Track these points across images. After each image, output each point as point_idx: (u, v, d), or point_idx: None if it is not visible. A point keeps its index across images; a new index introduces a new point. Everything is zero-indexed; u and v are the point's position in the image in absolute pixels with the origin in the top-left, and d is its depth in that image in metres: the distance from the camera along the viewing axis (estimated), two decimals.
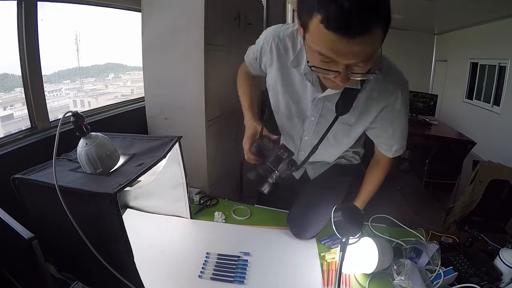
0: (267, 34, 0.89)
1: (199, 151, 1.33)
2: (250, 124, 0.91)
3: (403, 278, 0.80)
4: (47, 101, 1.10)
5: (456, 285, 0.82)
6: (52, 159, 0.62)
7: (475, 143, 2.98)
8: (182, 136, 0.90)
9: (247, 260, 0.90)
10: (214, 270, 0.86)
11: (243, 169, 1.83)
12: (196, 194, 1.27)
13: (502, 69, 4.29)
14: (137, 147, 0.84)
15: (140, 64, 1.35)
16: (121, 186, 0.62)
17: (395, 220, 1.10)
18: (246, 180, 1.87)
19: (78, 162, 0.72)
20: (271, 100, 0.98)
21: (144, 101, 1.40)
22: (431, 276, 0.83)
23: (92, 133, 0.71)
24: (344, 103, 0.81)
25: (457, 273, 0.83)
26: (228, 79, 1.27)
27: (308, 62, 0.62)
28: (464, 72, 5.35)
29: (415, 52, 6.45)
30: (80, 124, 0.68)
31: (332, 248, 0.97)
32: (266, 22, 2.63)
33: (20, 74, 1.01)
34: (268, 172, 0.77)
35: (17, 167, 0.71)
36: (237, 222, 1.10)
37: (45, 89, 1.08)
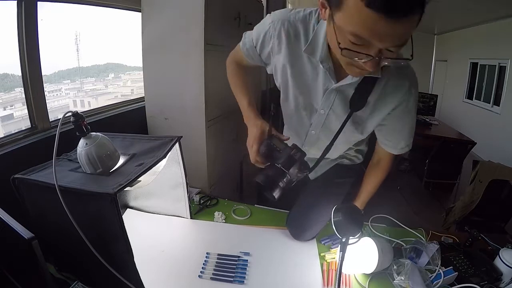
0: (274, 19, 0.80)
1: (199, 151, 1.33)
2: (255, 123, 0.81)
3: (403, 278, 0.80)
4: (47, 101, 1.10)
5: (456, 285, 0.82)
6: (52, 159, 0.62)
7: (475, 143, 2.98)
8: (182, 136, 0.90)
9: (247, 260, 0.90)
10: (214, 270, 0.86)
11: (244, 170, 1.83)
12: (196, 194, 1.27)
13: (502, 69, 4.28)
14: (137, 147, 0.84)
15: (140, 64, 1.35)
16: (121, 186, 0.62)
17: (395, 220, 1.10)
18: (246, 180, 1.87)
19: (78, 162, 0.72)
20: (281, 91, 0.91)
21: (144, 101, 1.40)
22: (431, 276, 0.83)
23: (92, 133, 0.71)
24: (359, 98, 0.77)
25: (457, 273, 0.83)
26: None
27: (339, 44, 0.56)
28: (464, 72, 5.35)
29: (415, 52, 6.42)
30: (80, 124, 0.68)
31: (332, 248, 0.97)
32: None
33: (20, 74, 1.01)
34: (279, 175, 0.69)
35: (17, 167, 0.71)
36: (237, 222, 1.10)
37: (45, 89, 1.08)
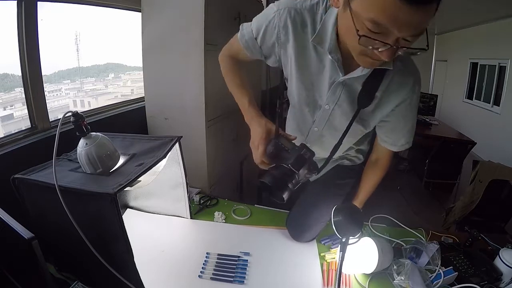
0: (280, 7, 0.75)
1: (199, 151, 1.33)
2: (260, 123, 0.75)
3: (403, 278, 0.80)
4: (47, 101, 1.10)
5: (456, 285, 0.82)
6: (52, 159, 0.62)
7: (475, 143, 2.98)
8: (182, 136, 0.90)
9: (247, 260, 0.90)
10: (214, 270, 0.86)
11: (244, 170, 1.83)
12: (196, 194, 1.27)
13: (502, 69, 4.28)
14: (137, 147, 0.84)
15: (140, 64, 1.35)
16: (121, 186, 0.62)
17: (395, 220, 1.10)
18: (246, 180, 1.87)
19: (78, 162, 0.72)
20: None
21: (144, 101, 1.40)
22: (431, 276, 0.83)
23: (92, 133, 0.71)
24: (367, 93, 0.75)
25: (457, 273, 0.83)
26: None
27: (357, 31, 0.54)
28: (464, 72, 5.35)
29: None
30: (80, 124, 0.68)
31: (332, 248, 0.97)
32: None
33: (20, 74, 1.01)
34: (288, 176, 0.66)
35: (17, 167, 0.71)
36: (237, 222, 1.10)
37: (45, 89, 1.09)
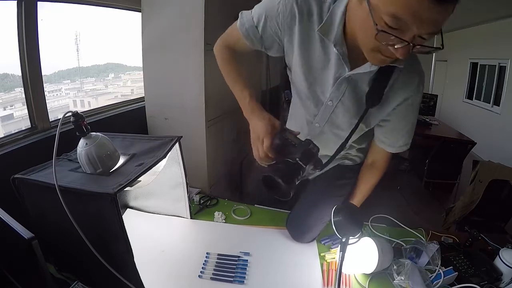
0: None
1: (199, 151, 1.33)
2: (262, 117, 0.72)
3: (403, 278, 0.80)
4: (47, 101, 1.10)
5: (456, 285, 0.82)
6: (52, 159, 0.62)
7: (475, 143, 2.98)
8: (182, 136, 0.90)
9: (247, 260, 0.90)
10: (214, 270, 0.86)
11: (244, 170, 1.83)
12: (196, 194, 1.27)
13: (502, 69, 4.28)
14: (137, 147, 0.84)
15: (140, 64, 1.35)
16: (121, 186, 0.62)
17: (395, 220, 1.10)
18: (246, 180, 1.87)
19: (78, 162, 0.72)
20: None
21: (144, 101, 1.40)
22: (431, 276, 0.83)
23: (92, 133, 0.71)
24: (375, 92, 0.72)
25: (457, 273, 0.83)
26: None
27: (376, 25, 0.52)
28: (464, 72, 5.35)
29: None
30: (80, 124, 0.68)
31: (332, 248, 0.97)
32: None
33: (20, 74, 1.02)
34: (295, 170, 0.64)
35: (17, 167, 0.71)
36: (237, 222, 1.10)
37: (45, 89, 1.09)
